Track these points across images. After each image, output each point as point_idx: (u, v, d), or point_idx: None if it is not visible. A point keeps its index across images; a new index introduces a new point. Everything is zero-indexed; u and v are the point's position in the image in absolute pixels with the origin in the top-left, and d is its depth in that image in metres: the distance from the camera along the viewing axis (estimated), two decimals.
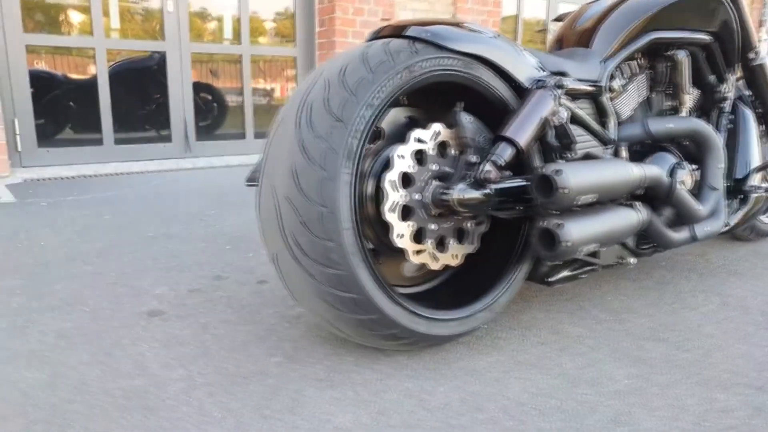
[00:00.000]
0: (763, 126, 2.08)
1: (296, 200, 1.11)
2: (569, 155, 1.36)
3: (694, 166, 1.72)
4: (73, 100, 3.93)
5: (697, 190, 1.69)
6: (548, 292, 1.76)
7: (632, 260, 1.60)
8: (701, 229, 1.67)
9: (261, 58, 4.59)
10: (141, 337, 1.40)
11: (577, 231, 1.19)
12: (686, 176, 1.65)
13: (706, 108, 1.92)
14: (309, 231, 1.11)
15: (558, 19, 2.34)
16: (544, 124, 1.29)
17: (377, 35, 1.33)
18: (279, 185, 1.13)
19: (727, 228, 1.83)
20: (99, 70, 3.88)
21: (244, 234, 2.34)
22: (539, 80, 1.36)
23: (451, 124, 1.30)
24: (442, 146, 1.29)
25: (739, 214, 1.88)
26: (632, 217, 1.38)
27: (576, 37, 1.71)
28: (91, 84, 3.89)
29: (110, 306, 1.59)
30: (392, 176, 1.21)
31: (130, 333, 1.42)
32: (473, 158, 1.28)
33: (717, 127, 1.92)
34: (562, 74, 1.44)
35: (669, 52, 1.73)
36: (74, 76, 3.90)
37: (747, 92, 2.04)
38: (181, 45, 4.16)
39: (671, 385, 1.24)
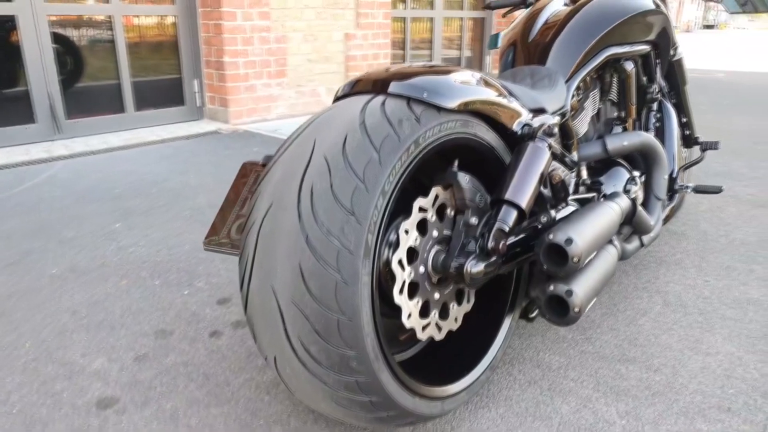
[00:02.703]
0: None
1: (306, 306, 0.97)
2: (562, 206, 1.33)
3: (637, 173, 1.77)
4: None
5: (645, 201, 1.76)
6: None
7: None
8: (647, 236, 1.75)
9: (136, 18, 4.04)
10: None
11: (583, 292, 1.18)
12: (639, 191, 1.70)
13: (638, 109, 1.98)
14: (323, 339, 0.98)
15: (488, 6, 2.26)
16: (542, 180, 1.23)
17: (353, 89, 1.18)
18: (282, 287, 0.99)
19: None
20: None
21: (167, 258, 2.10)
22: (526, 125, 1.30)
23: (447, 185, 1.20)
24: (440, 209, 1.20)
25: (667, 211, 2.00)
26: (614, 252, 1.39)
27: (530, 52, 1.65)
28: None
29: (43, 400, 1.35)
30: (400, 255, 1.10)
31: None
32: (472, 220, 1.21)
33: (647, 126, 1.99)
34: (542, 110, 1.38)
35: (617, 64, 1.73)
36: None
37: (663, 83, 2.13)
38: (34, 7, 3.52)
39: (659, 419, 1.30)
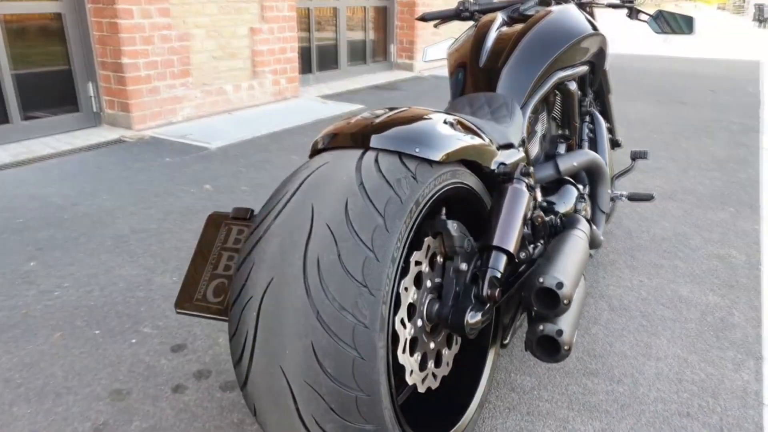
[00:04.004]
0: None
1: (321, 386, 0.93)
2: (540, 242, 1.36)
3: (581, 187, 1.86)
4: None
5: (592, 216, 1.85)
6: None
7: None
8: (594, 249, 1.84)
9: (15, 16, 3.61)
10: None
11: (571, 330, 1.22)
12: (587, 207, 1.78)
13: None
14: (341, 417, 0.95)
15: (422, 18, 2.25)
16: (525, 222, 1.26)
17: (332, 143, 1.14)
18: (292, 367, 0.93)
19: None
20: None
21: (101, 301, 1.92)
22: (501, 164, 1.31)
23: (436, 233, 1.19)
24: (431, 258, 1.19)
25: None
26: (584, 281, 1.45)
27: (481, 77, 1.67)
28: None
29: None
30: (402, 314, 1.08)
31: None
32: (462, 266, 1.21)
33: (582, 138, 2.09)
34: (510, 145, 1.40)
35: (561, 85, 1.79)
36: None
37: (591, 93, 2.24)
38: None
39: None
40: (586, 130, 2.09)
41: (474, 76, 1.69)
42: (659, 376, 1.61)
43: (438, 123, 1.17)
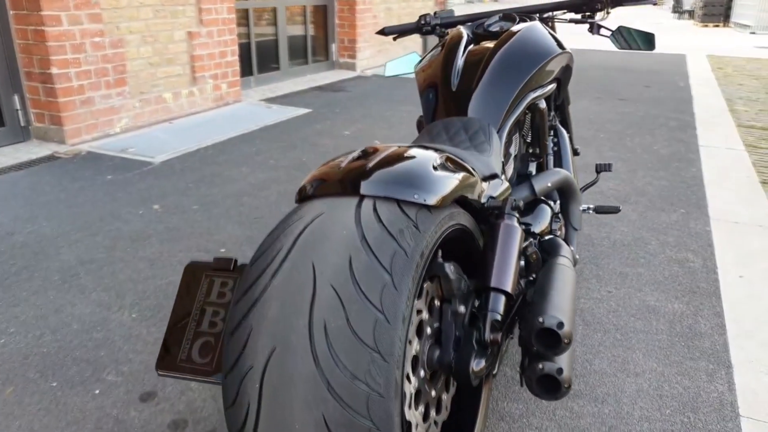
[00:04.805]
0: None
1: None
2: (532, 276, 1.34)
3: (552, 203, 1.86)
4: None
5: (565, 234, 1.85)
6: None
7: None
8: None
9: None
10: None
11: (569, 367, 1.20)
12: (561, 226, 1.79)
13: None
14: None
15: (381, 32, 2.20)
16: (520, 258, 1.23)
17: (319, 190, 1.07)
18: None
19: None
20: None
21: (55, 346, 1.77)
22: (490, 197, 1.28)
23: (433, 276, 1.14)
24: (429, 302, 1.15)
25: None
26: None
27: (453, 100, 1.64)
28: None
29: None
30: (407, 368, 1.03)
31: None
32: (460, 308, 1.17)
33: (547, 152, 2.09)
34: (494, 175, 1.37)
35: (532, 105, 1.78)
36: None
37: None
38: None
39: None
40: (551, 144, 2.10)
41: (446, 100, 1.65)
42: (640, 393, 1.63)
43: (430, 163, 1.13)
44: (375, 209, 1.00)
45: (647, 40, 1.88)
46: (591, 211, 2.13)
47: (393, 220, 0.98)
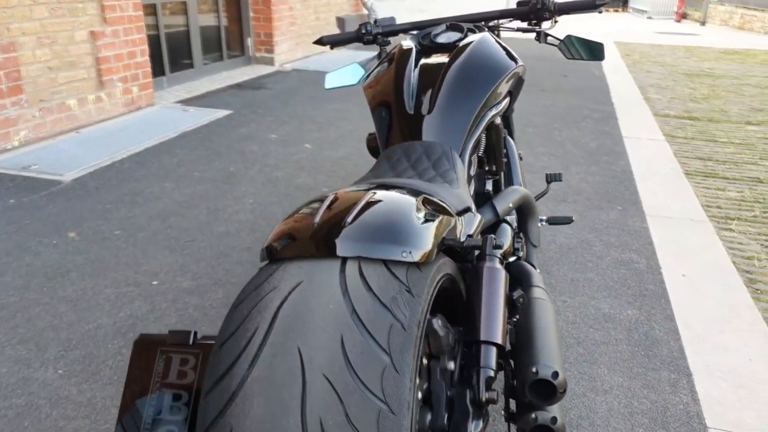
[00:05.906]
0: None
1: None
2: (514, 318, 1.27)
3: (509, 218, 1.81)
4: None
5: (526, 253, 1.81)
6: None
7: None
8: None
9: None
10: None
11: (561, 413, 1.14)
12: (522, 244, 1.74)
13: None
14: None
15: (319, 42, 2.06)
16: (507, 302, 1.15)
17: (287, 252, 0.94)
18: None
19: None
20: None
21: None
22: (468, 236, 1.19)
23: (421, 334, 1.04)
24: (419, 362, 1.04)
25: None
26: None
27: (408, 124, 1.54)
28: None
29: None
30: None
31: None
32: (450, 365, 1.08)
33: (502, 169, 2.04)
34: (468, 209, 1.29)
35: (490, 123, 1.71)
36: None
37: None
38: None
39: None
40: (500, 155, 2.05)
41: (402, 122, 1.55)
42: (612, 412, 1.62)
43: (410, 210, 1.02)
44: (361, 274, 0.88)
45: (597, 50, 1.86)
46: (544, 223, 2.11)
47: (383, 287, 0.87)
